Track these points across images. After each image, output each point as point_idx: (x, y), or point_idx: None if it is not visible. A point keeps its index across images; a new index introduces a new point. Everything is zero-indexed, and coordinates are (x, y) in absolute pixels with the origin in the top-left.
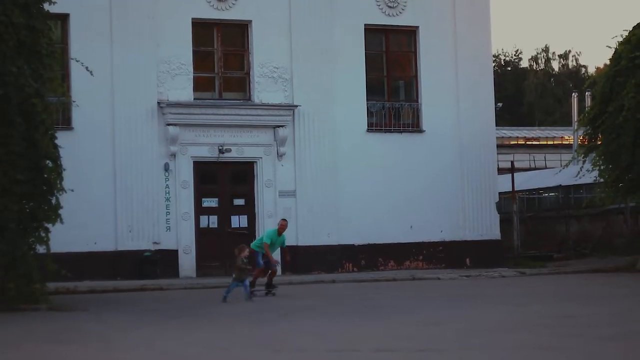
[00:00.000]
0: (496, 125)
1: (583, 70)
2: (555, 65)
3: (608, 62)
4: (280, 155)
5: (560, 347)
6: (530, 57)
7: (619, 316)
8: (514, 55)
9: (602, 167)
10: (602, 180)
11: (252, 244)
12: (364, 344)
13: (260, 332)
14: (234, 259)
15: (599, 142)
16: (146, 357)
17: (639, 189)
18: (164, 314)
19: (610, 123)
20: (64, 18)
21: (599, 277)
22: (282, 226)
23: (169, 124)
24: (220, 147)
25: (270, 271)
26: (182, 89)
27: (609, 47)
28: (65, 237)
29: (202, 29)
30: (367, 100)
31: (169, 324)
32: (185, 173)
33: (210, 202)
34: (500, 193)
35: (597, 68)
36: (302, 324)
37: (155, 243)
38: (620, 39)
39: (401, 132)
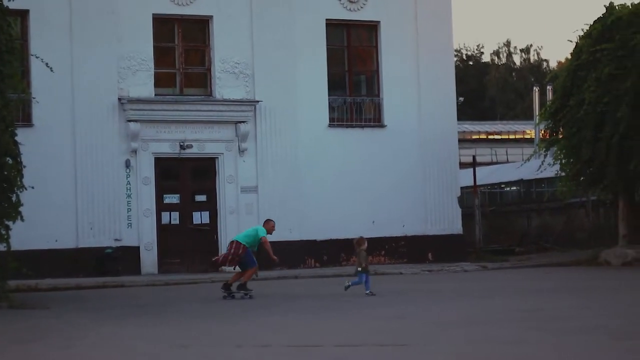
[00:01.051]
0: (458, 120)
1: (545, 64)
2: (517, 59)
3: (569, 56)
4: (241, 151)
5: (523, 341)
6: (492, 52)
7: (581, 309)
8: (476, 49)
9: (563, 161)
10: (563, 174)
11: (243, 241)
12: (326, 339)
13: (223, 328)
14: (357, 251)
15: (560, 136)
16: (108, 355)
17: (599, 183)
18: (125, 311)
19: (571, 117)
20: (23, 14)
21: (560, 271)
22: (273, 227)
23: (129, 120)
24: (182, 143)
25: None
26: (143, 85)
27: (570, 41)
28: (26, 234)
29: (162, 24)
30: (329, 95)
31: (131, 321)
32: (146, 169)
33: (171, 199)
34: (462, 187)
35: (559, 62)
36: (265, 320)
37: (116, 240)
38: (581, 33)
39: (363, 127)
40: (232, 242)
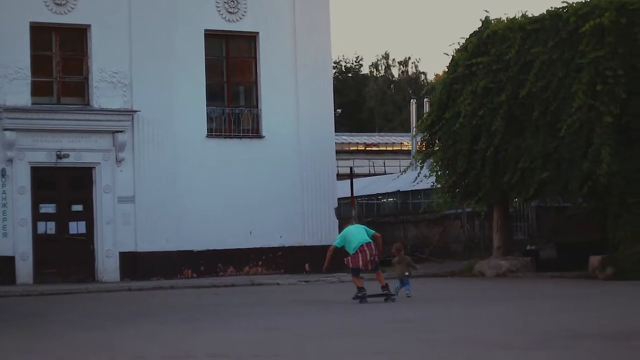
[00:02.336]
0: (336, 131)
1: (422, 77)
2: (395, 72)
3: (446, 69)
4: (119, 161)
5: (398, 352)
6: (370, 64)
7: (454, 320)
8: (355, 61)
9: (439, 173)
10: (439, 185)
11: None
12: (200, 350)
13: (97, 338)
14: (399, 258)
15: (437, 149)
16: None
17: (474, 195)
18: None
19: (447, 130)
20: None
21: (436, 282)
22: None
23: (5, 129)
24: (59, 153)
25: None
26: (20, 94)
27: (447, 54)
28: None
29: (40, 33)
30: (207, 105)
31: (5, 332)
32: (22, 179)
33: (47, 208)
34: (339, 198)
35: (436, 75)
36: (141, 330)
37: None
38: (458, 47)
39: (241, 137)
40: (362, 245)
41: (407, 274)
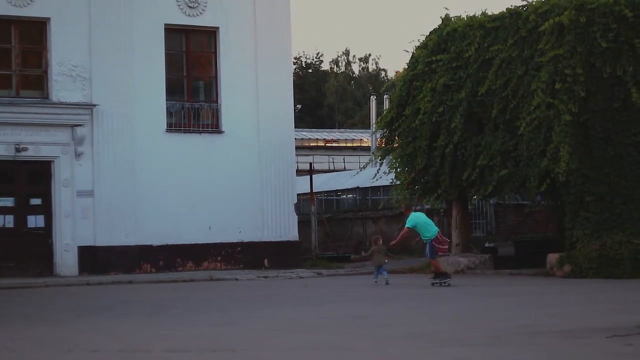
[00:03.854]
0: (296, 127)
1: (383, 73)
2: (356, 68)
3: (406, 66)
4: (78, 155)
5: (352, 347)
6: (331, 60)
7: (410, 316)
8: (315, 57)
9: (398, 170)
10: (398, 182)
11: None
12: (157, 344)
13: (54, 332)
14: (377, 248)
15: (396, 145)
16: None
17: (434, 192)
18: None
19: (406, 126)
20: None
21: (393, 278)
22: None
23: None
24: (17, 146)
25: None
26: None
27: (407, 51)
28: None
29: None
30: (167, 100)
31: None
32: None
33: (6, 202)
34: (299, 194)
35: (396, 72)
36: (97, 324)
37: None
38: (418, 44)
39: (200, 132)
40: (438, 232)
41: (386, 261)
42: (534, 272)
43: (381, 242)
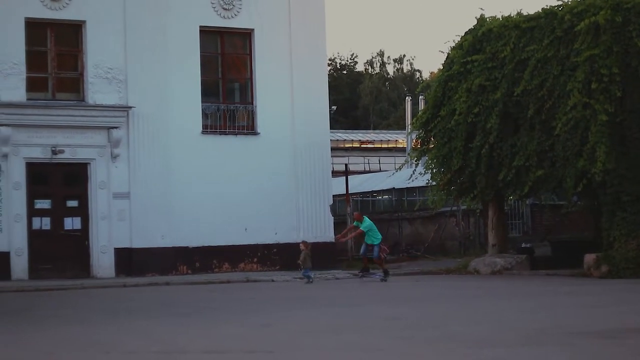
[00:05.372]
0: (331, 129)
1: (417, 74)
2: (390, 69)
3: (441, 67)
4: (114, 157)
5: (385, 349)
6: (365, 61)
7: (445, 317)
8: (350, 59)
9: (434, 171)
10: (434, 183)
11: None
12: (193, 346)
13: (91, 334)
14: (309, 252)
15: (432, 146)
16: None
17: (469, 192)
18: None
19: (442, 127)
20: None
21: (430, 279)
22: (356, 217)
23: (0, 125)
24: (54, 148)
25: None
26: (15, 89)
27: (442, 52)
28: None
29: (35, 28)
30: (202, 102)
31: None
32: (17, 174)
33: (43, 204)
34: (334, 195)
35: (431, 73)
36: (134, 325)
37: None
38: (453, 44)
39: (236, 134)
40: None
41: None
42: (571, 272)
43: (309, 246)
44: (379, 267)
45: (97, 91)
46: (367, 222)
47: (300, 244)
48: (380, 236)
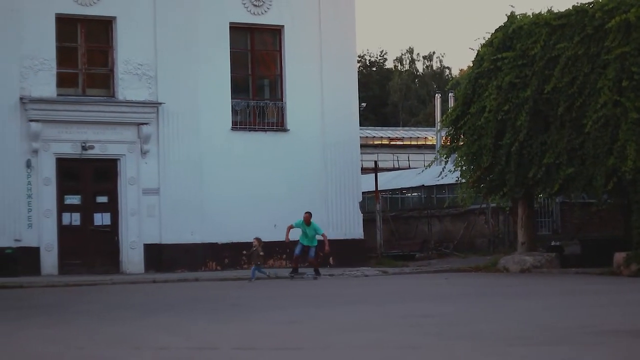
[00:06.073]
0: (360, 125)
1: (447, 71)
2: (420, 66)
3: (471, 64)
4: (144, 153)
5: (418, 346)
6: (395, 58)
7: (476, 315)
8: (379, 55)
9: (463, 168)
10: (463, 180)
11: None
12: (224, 342)
13: (121, 329)
14: (255, 249)
15: (461, 143)
16: (3, 355)
17: (499, 190)
18: (22, 312)
19: (472, 124)
20: None
21: (460, 277)
22: (306, 217)
23: (31, 120)
24: (83, 144)
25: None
26: (46, 85)
27: (472, 49)
28: None
29: (65, 24)
30: (232, 98)
31: (26, 322)
32: (47, 170)
33: (72, 199)
34: (363, 192)
35: (461, 70)
36: (164, 321)
37: (16, 240)
38: (483, 42)
39: (266, 130)
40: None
41: (258, 262)
42: (601, 271)
43: (261, 242)
44: (311, 266)
45: (127, 87)
46: (318, 225)
47: (254, 240)
48: (306, 239)
